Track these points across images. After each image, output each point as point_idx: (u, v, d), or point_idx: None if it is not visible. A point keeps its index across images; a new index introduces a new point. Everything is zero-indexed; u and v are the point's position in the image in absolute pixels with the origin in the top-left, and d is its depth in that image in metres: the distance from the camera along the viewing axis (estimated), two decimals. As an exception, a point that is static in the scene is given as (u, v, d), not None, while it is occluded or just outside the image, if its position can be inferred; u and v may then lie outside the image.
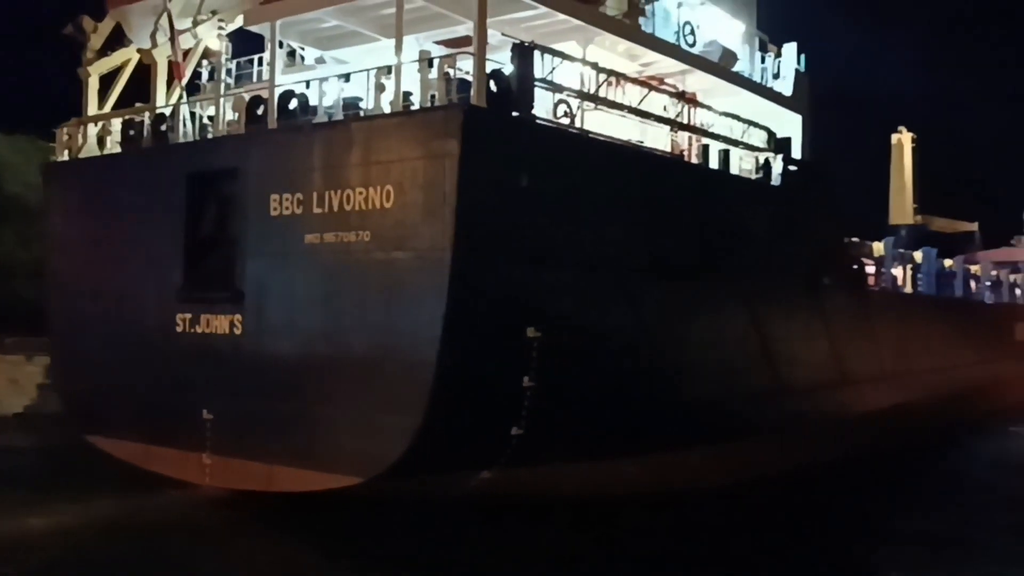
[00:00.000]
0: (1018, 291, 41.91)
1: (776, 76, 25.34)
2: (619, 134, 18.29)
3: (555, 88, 16.59)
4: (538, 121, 16.17)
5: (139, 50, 20.18)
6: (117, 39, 20.98)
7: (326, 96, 17.16)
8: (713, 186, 20.28)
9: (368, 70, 16.52)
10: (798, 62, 25.77)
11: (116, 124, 20.10)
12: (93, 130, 20.54)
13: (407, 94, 16.22)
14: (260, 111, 17.38)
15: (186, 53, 19.31)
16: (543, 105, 16.42)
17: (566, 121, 16.83)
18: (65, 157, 20.85)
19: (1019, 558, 15.44)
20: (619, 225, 17.24)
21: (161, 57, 19.61)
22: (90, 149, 20.52)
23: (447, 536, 15.92)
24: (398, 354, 15.00)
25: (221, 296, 17.21)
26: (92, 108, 20.86)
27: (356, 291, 15.54)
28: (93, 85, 20.86)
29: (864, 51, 73.09)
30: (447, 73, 15.46)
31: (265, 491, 16.73)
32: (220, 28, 18.90)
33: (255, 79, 22.59)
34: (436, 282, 14.57)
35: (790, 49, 25.75)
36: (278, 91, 17.28)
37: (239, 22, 19.25)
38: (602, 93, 17.85)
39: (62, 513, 16.79)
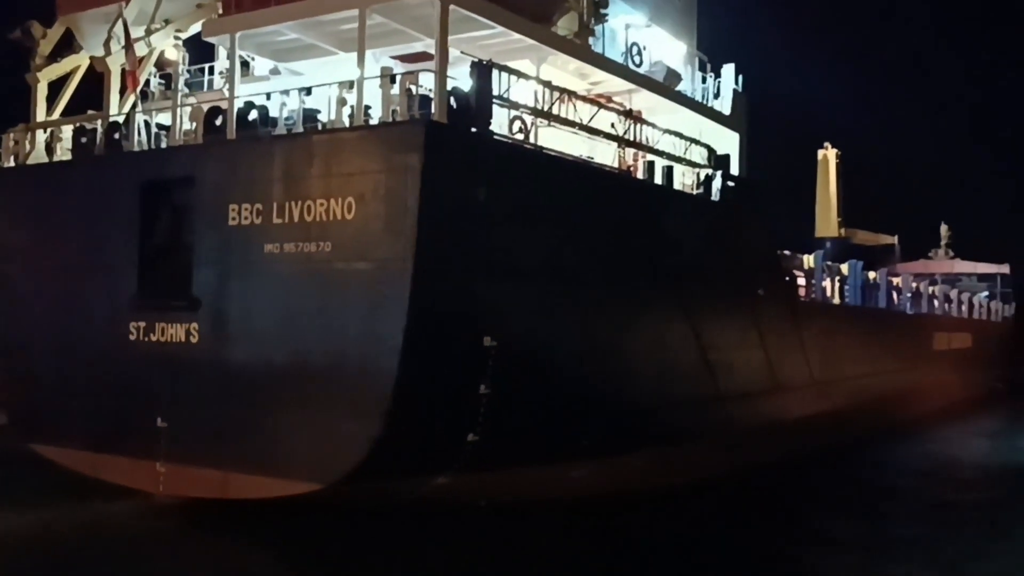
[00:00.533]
0: (935, 302, 43.82)
1: (716, 96, 26.34)
2: (570, 150, 18.93)
3: (511, 105, 17.15)
4: (495, 137, 16.71)
5: (91, 57, 20.10)
6: (67, 45, 20.86)
7: (285, 108, 17.39)
8: (659, 201, 21.07)
9: (330, 84, 16.83)
10: (736, 82, 26.81)
11: (67, 131, 19.97)
12: (41, 136, 20.37)
13: (366, 108, 16.59)
14: (219, 122, 17.53)
15: (139, 61, 19.32)
16: (499, 121, 16.94)
17: (521, 137, 17.41)
18: (12, 163, 20.62)
19: (949, 563, 16.04)
20: (570, 237, 17.85)
21: (114, 64, 19.57)
22: (38, 156, 20.34)
23: (404, 541, 16.24)
24: (359, 362, 15.31)
25: (177, 304, 17.27)
26: (41, 114, 20.69)
27: (316, 300, 15.79)
28: (42, 91, 20.70)
29: (793, 71, 75.74)
30: (409, 89, 15.88)
31: (221, 499, 16.86)
32: (177, 37, 18.97)
33: (206, 88, 22.72)
34: (398, 292, 14.95)
35: (728, 70, 26.78)
36: (237, 102, 17.46)
37: (194, 31, 19.37)
38: (554, 110, 18.46)
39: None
